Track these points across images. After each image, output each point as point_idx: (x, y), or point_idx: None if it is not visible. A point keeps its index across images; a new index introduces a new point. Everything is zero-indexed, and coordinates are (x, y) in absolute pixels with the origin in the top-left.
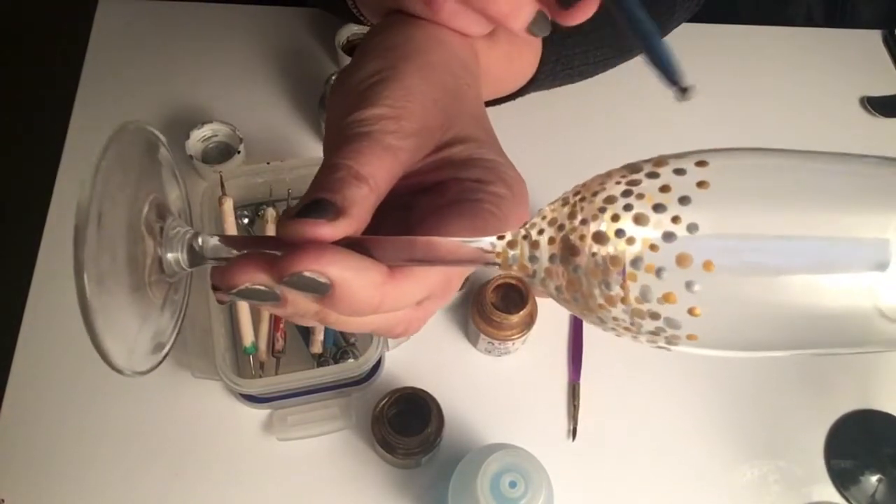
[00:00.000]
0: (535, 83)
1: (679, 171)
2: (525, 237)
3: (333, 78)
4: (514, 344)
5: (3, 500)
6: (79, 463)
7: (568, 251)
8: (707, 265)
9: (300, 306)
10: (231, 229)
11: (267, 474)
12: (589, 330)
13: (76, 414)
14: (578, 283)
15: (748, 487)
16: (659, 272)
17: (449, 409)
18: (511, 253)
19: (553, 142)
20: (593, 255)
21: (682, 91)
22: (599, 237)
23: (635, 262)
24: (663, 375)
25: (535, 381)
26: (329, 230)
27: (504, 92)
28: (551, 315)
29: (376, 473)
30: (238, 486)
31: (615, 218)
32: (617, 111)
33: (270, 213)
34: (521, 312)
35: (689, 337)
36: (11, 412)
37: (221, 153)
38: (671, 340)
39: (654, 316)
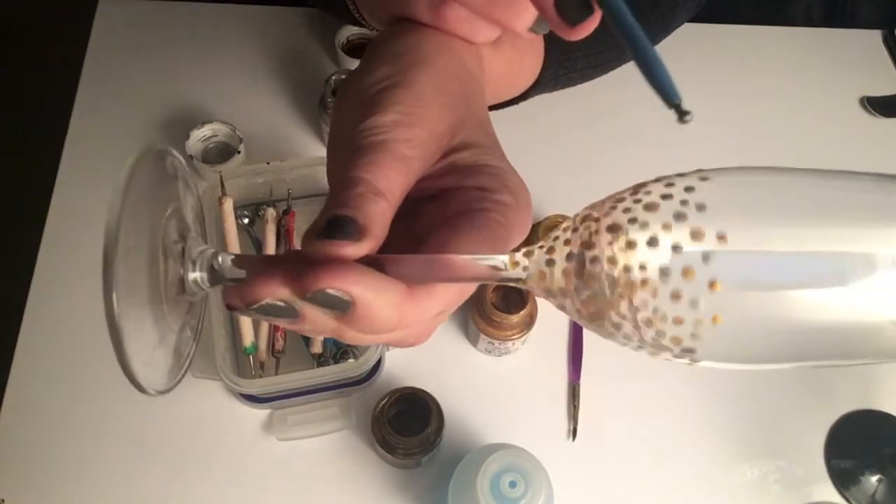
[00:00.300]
0: (537, 87)
1: (689, 188)
2: (540, 254)
3: (333, 78)
4: (514, 344)
5: (3, 501)
6: (79, 463)
7: (581, 270)
8: (713, 284)
9: (318, 323)
10: (231, 229)
11: (267, 474)
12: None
13: (76, 414)
14: (591, 302)
15: (748, 487)
16: (669, 291)
17: (449, 409)
18: (527, 271)
19: (554, 145)
20: (606, 275)
21: (682, 114)
22: (612, 258)
23: (646, 280)
24: (663, 376)
25: (535, 381)
26: (353, 250)
27: (507, 96)
28: (551, 315)
29: (376, 473)
30: (238, 486)
31: (627, 241)
32: (617, 112)
33: (270, 213)
34: (521, 312)
35: (703, 350)
36: (11, 412)
37: (221, 153)
38: (681, 355)
39: (662, 334)
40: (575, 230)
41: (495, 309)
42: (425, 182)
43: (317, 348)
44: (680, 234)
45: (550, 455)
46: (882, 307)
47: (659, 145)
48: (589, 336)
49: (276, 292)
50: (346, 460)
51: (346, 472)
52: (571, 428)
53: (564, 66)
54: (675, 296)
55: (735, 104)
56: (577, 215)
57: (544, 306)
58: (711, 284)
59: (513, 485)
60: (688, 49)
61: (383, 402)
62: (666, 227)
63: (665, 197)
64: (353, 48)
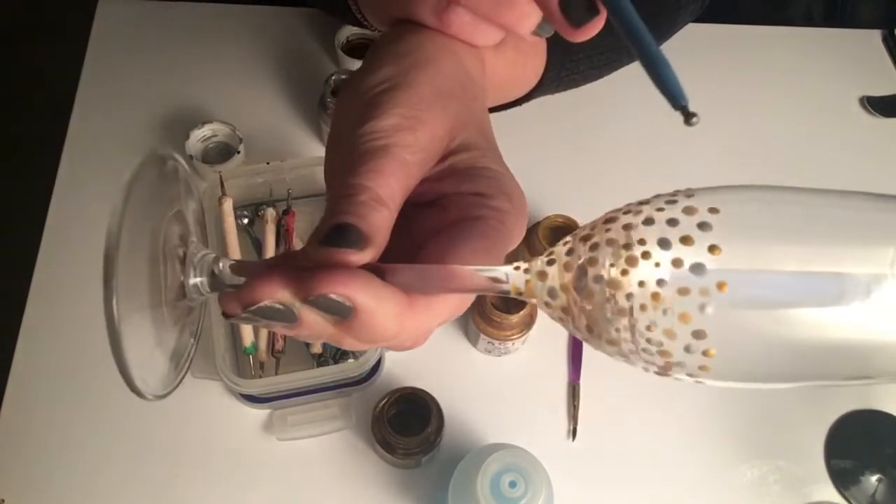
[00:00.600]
0: (540, 89)
1: (685, 213)
2: (541, 267)
3: (333, 78)
4: (514, 344)
5: (3, 501)
6: (79, 463)
7: (581, 287)
8: (722, 292)
9: (315, 328)
10: (231, 229)
11: (267, 474)
12: None
13: (76, 414)
14: (592, 320)
15: (748, 487)
16: (666, 309)
17: (449, 409)
18: (527, 285)
19: (553, 145)
20: (605, 293)
21: (689, 116)
22: (612, 279)
23: (645, 300)
24: None
25: (535, 381)
26: (356, 258)
27: (510, 98)
28: None
29: (376, 473)
30: (238, 486)
31: (628, 258)
32: (616, 112)
33: (270, 213)
34: (521, 312)
35: (702, 368)
36: (11, 412)
37: (221, 153)
38: (674, 370)
39: (666, 353)
40: (574, 246)
41: (495, 309)
42: (423, 185)
43: (317, 348)
44: (679, 252)
45: (550, 455)
46: (882, 326)
47: (658, 144)
48: None
49: (276, 293)
50: (346, 460)
51: (346, 472)
52: (571, 428)
53: (567, 67)
54: (683, 317)
55: (735, 104)
56: (577, 231)
57: None
58: (707, 307)
59: (513, 485)
60: (688, 49)
61: (383, 402)
62: (664, 244)
63: (670, 221)
64: (353, 48)
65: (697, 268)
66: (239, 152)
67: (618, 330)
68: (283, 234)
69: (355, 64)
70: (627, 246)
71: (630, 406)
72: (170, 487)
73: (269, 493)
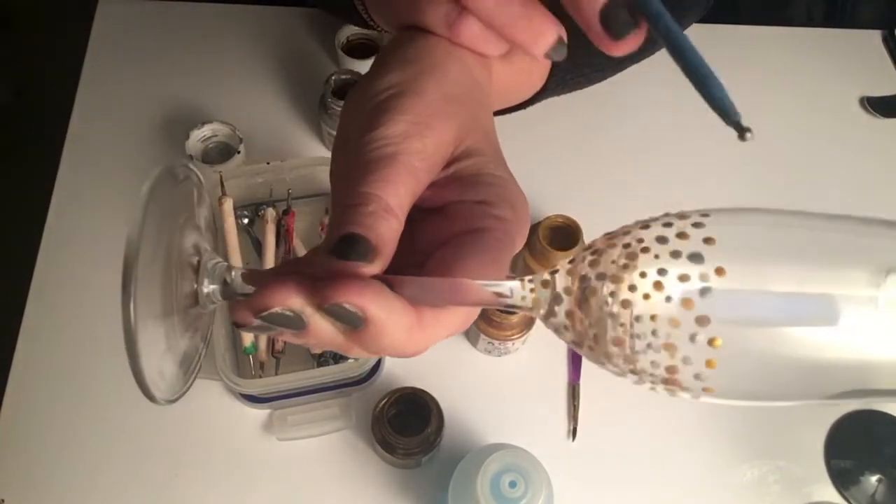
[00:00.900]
0: (545, 92)
1: (681, 236)
2: (547, 283)
3: (333, 78)
4: (514, 344)
5: (3, 501)
6: (79, 463)
7: (585, 305)
8: (711, 321)
9: (323, 336)
10: (231, 229)
11: (267, 474)
12: None
13: (76, 414)
14: (594, 337)
15: (748, 487)
16: (670, 330)
17: (449, 409)
18: (532, 300)
19: (554, 145)
20: (609, 313)
21: (743, 131)
22: (613, 294)
23: (646, 318)
24: None
25: (535, 381)
26: (365, 270)
27: (514, 101)
28: None
29: (376, 473)
30: (238, 486)
31: (631, 282)
32: (617, 112)
33: (270, 213)
34: (521, 313)
35: (706, 390)
36: (11, 412)
37: (221, 153)
38: (675, 389)
39: (673, 370)
40: (579, 264)
41: (495, 309)
42: (428, 192)
43: (317, 349)
44: (683, 271)
45: (550, 455)
46: (877, 347)
47: (658, 145)
48: None
49: (288, 300)
50: (346, 460)
51: (346, 472)
52: (571, 428)
53: (572, 71)
54: (691, 337)
55: (734, 104)
56: (584, 250)
57: None
58: (707, 321)
59: (513, 485)
60: None
61: (383, 402)
62: (667, 265)
63: (676, 234)
64: (353, 48)
65: (704, 291)
66: (239, 152)
67: (622, 349)
68: (283, 234)
69: (355, 64)
70: (631, 267)
71: (630, 406)
72: (170, 487)
73: (269, 493)
